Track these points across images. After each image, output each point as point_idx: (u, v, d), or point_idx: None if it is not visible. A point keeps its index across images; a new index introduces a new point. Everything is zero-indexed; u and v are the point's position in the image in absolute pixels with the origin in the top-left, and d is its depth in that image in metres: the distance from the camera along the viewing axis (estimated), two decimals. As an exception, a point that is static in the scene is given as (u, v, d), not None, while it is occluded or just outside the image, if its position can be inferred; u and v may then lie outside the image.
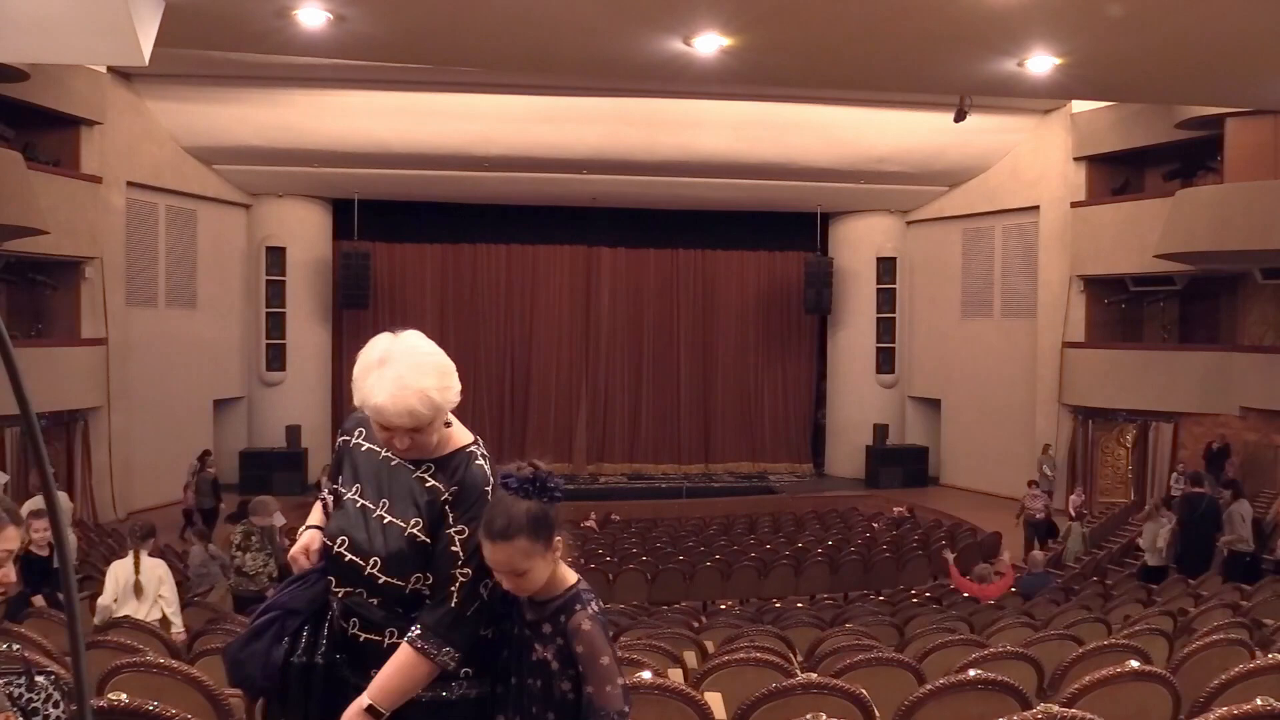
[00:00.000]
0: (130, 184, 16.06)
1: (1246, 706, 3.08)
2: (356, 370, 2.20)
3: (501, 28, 7.82)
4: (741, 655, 4.89)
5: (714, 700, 4.18)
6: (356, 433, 2.38)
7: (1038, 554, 12.03)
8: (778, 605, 10.65)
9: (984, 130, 16.97)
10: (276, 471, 17.84)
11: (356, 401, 2.21)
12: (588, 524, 15.68)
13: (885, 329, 20.84)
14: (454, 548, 2.19)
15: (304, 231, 19.40)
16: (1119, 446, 17.32)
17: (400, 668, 2.16)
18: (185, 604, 7.37)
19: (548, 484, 2.18)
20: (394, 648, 2.19)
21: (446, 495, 2.22)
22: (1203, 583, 9.73)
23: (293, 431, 18.59)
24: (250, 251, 19.14)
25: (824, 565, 12.66)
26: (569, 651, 2.18)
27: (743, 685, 4.44)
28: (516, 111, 16.72)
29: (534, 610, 2.23)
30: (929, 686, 4.00)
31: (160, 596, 6.52)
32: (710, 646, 6.18)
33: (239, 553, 8.52)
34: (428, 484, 2.24)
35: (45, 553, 6.93)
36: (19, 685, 2.14)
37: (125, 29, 5.76)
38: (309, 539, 2.40)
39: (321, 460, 19.35)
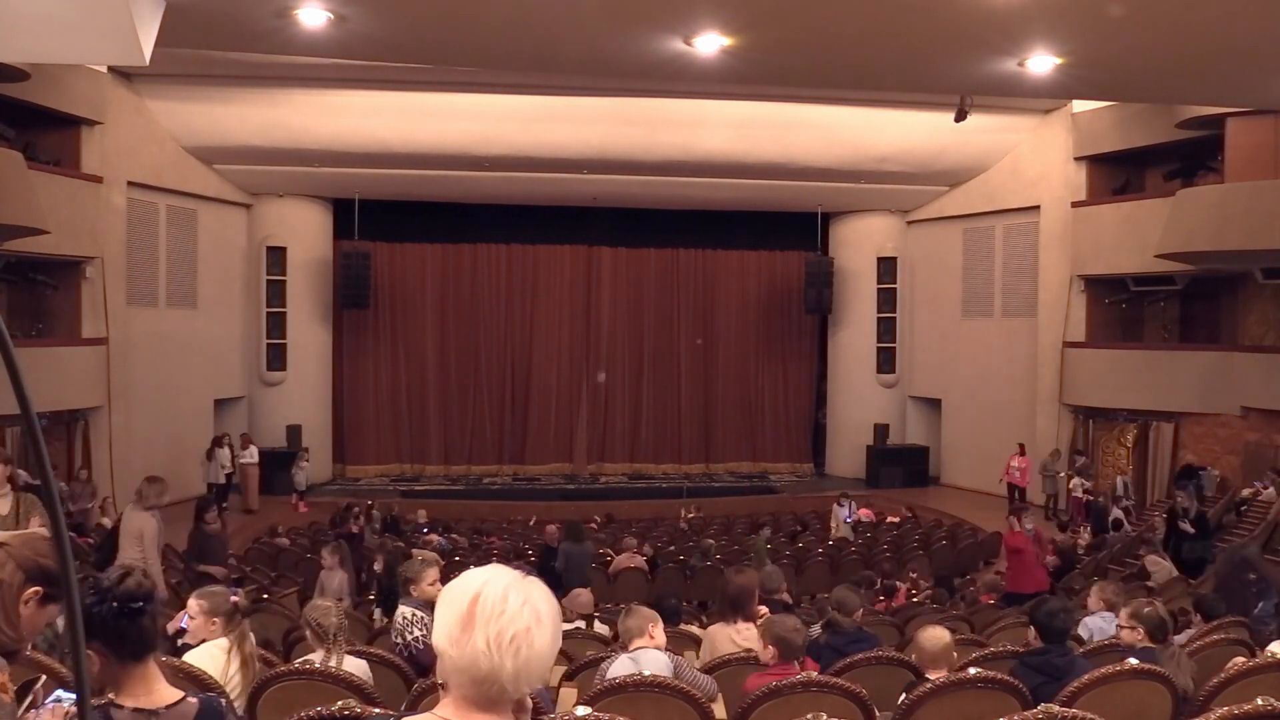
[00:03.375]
0: (131, 184, 16.06)
1: (1246, 706, 3.09)
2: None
3: (502, 28, 7.80)
4: (743, 655, 4.90)
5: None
6: None
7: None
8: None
9: (984, 130, 16.96)
10: (277, 471, 17.84)
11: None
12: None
13: (885, 329, 20.83)
14: None
15: (304, 231, 19.39)
16: (1119, 446, 17.32)
17: None
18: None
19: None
20: None
21: None
22: (1203, 583, 9.72)
23: (293, 431, 18.59)
24: (250, 251, 19.14)
25: (824, 565, 12.67)
26: None
27: (743, 685, 4.44)
28: (516, 111, 16.72)
29: None
30: (929, 685, 4.00)
31: None
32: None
33: None
34: None
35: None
36: None
37: (125, 29, 5.75)
38: None
39: (322, 460, 19.40)
